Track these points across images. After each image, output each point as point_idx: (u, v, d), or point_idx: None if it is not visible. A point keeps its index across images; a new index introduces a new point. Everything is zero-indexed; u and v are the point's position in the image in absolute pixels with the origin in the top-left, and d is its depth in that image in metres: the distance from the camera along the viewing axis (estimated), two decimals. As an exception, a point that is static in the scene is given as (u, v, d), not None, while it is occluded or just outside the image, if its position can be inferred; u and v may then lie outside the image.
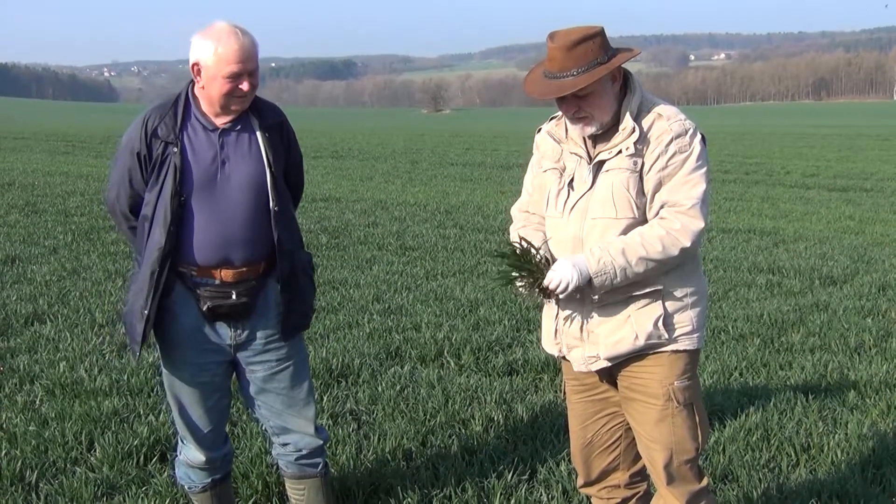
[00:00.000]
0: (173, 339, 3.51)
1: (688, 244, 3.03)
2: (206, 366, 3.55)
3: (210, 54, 3.29)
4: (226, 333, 3.51)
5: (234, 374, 3.68)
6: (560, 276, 3.03)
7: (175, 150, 3.35)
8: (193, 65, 3.34)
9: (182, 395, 3.60)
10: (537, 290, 3.12)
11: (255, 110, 3.48)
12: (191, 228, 3.39)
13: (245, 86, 3.33)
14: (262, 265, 3.50)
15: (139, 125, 3.40)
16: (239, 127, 3.44)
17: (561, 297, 3.09)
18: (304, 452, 3.71)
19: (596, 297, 3.12)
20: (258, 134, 3.47)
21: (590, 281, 3.03)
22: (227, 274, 3.43)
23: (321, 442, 3.74)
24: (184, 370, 3.55)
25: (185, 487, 3.83)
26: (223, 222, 3.40)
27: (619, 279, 3.03)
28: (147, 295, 3.39)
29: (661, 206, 3.06)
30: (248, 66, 3.31)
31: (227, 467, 3.87)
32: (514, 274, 3.16)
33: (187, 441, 3.70)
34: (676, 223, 3.02)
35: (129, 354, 6.04)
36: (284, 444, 3.72)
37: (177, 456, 3.83)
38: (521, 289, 3.18)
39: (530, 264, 3.12)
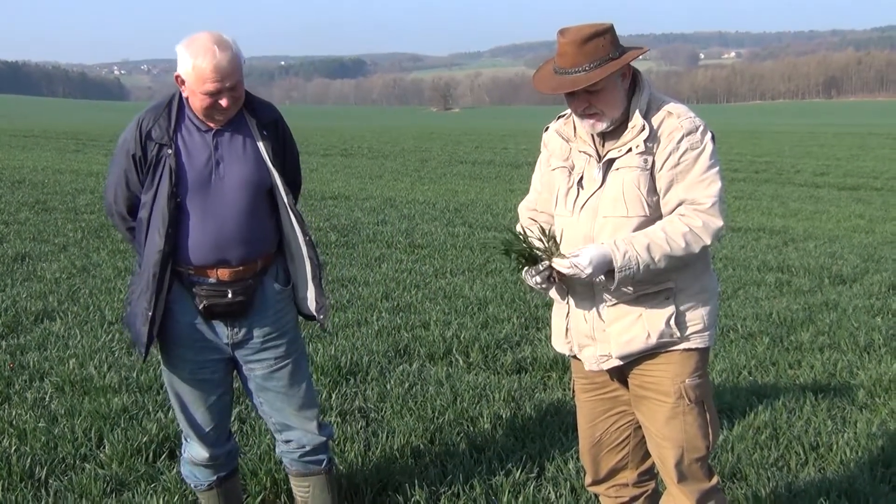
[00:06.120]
0: (172, 337, 3.52)
1: (709, 242, 3.03)
2: (205, 363, 3.56)
3: (189, 69, 3.26)
4: (223, 332, 3.52)
5: (235, 372, 3.69)
6: (575, 262, 2.99)
7: (169, 151, 3.34)
8: (177, 76, 3.33)
9: (183, 392, 3.61)
10: (546, 271, 3.09)
11: (250, 109, 3.45)
12: (186, 229, 3.38)
13: (224, 102, 3.29)
14: (258, 264, 3.50)
15: (134, 127, 3.39)
16: (233, 127, 3.42)
17: (566, 274, 3.04)
18: (307, 449, 3.71)
19: (611, 291, 3.08)
20: (254, 134, 3.45)
21: (607, 273, 3.01)
22: (223, 273, 3.43)
23: (324, 439, 3.73)
24: (183, 368, 3.56)
25: (192, 486, 3.84)
26: (219, 222, 3.39)
27: (641, 274, 3.01)
28: (150, 297, 3.38)
29: (679, 204, 3.05)
30: (227, 83, 3.26)
31: (233, 464, 3.87)
32: (518, 251, 3.12)
33: (190, 439, 3.71)
34: (698, 221, 3.01)
35: (136, 354, 6.06)
36: (287, 442, 3.73)
37: (182, 454, 3.84)
38: (529, 272, 3.12)
39: (532, 247, 3.09)
